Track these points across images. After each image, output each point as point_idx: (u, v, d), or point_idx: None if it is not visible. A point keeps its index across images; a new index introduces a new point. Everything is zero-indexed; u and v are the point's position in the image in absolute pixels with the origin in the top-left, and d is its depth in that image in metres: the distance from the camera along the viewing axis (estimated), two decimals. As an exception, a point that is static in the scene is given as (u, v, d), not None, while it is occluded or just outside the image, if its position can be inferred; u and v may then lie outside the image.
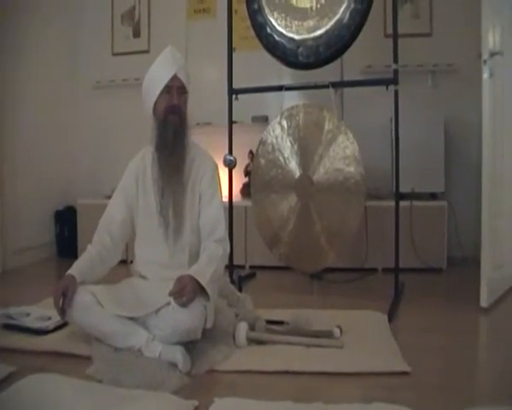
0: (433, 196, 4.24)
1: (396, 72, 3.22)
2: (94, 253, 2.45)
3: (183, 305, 2.13)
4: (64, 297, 2.25)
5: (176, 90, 2.44)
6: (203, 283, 2.19)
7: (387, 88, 3.26)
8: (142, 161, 2.59)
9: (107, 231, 2.51)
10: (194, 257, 2.44)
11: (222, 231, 2.48)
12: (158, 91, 2.43)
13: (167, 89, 2.42)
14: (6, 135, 4.29)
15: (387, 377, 2.11)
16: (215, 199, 2.51)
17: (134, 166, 2.60)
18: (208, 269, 2.28)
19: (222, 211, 2.53)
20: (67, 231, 4.96)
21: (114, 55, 5.27)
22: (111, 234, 2.51)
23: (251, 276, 4.06)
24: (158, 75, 2.44)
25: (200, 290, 2.20)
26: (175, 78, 2.42)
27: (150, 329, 2.25)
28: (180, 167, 2.46)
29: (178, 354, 2.13)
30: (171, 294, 2.15)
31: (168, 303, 2.18)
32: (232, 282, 3.20)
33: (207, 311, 2.24)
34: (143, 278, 2.52)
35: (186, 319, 2.13)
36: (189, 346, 2.23)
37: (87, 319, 2.27)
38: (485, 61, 3.02)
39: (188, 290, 2.14)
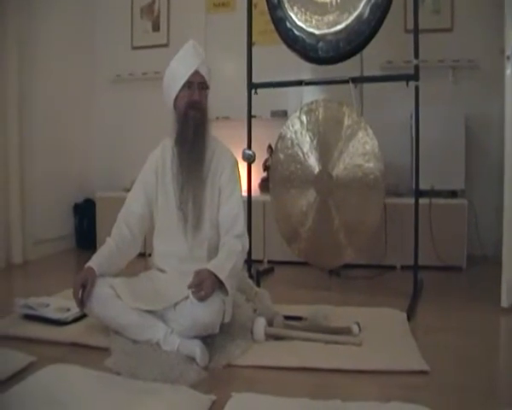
0: (453, 194, 4.19)
1: (417, 67, 3.18)
2: (113, 245, 2.45)
3: (202, 299, 2.13)
4: (83, 289, 2.26)
5: (197, 85, 2.43)
6: (222, 277, 2.19)
7: (408, 84, 3.23)
8: (162, 154, 2.59)
9: (126, 224, 2.52)
10: (213, 252, 2.44)
11: (241, 226, 2.47)
12: (179, 86, 2.42)
13: (188, 84, 2.42)
14: (25, 129, 4.32)
15: (406, 376, 2.09)
16: (235, 194, 2.51)
17: (154, 159, 2.60)
18: (227, 264, 2.28)
19: (241, 206, 2.53)
20: (86, 224, 5.00)
21: (134, 48, 5.29)
22: (130, 227, 2.51)
23: (269, 271, 4.05)
24: (179, 70, 2.43)
25: (219, 285, 2.20)
26: (196, 73, 2.42)
27: (168, 322, 2.25)
28: (200, 163, 2.46)
29: (196, 348, 2.13)
30: (189, 287, 2.14)
31: (186, 297, 2.17)
32: (250, 277, 3.19)
33: (226, 305, 2.23)
34: (162, 271, 2.53)
35: (204, 313, 2.13)
36: (207, 340, 2.23)
37: (105, 311, 2.29)
38: (508, 57, 2.97)
39: (206, 285, 2.13)
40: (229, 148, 2.66)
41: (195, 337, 2.18)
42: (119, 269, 2.49)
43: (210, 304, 2.14)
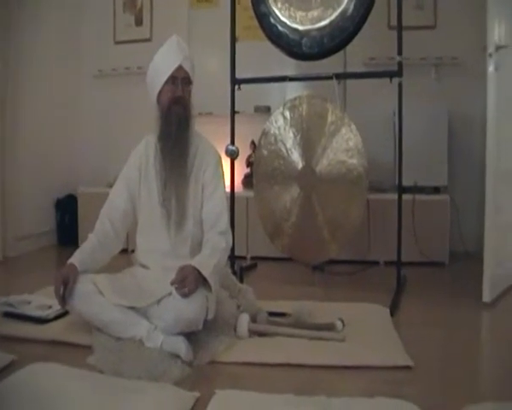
0: (435, 190, 4.21)
1: (400, 64, 3.20)
2: (95, 241, 2.43)
3: (185, 295, 2.11)
4: (65, 286, 2.23)
5: (180, 80, 2.41)
6: (205, 274, 2.18)
7: (391, 80, 3.24)
8: (145, 149, 2.57)
9: (109, 220, 2.50)
10: (196, 248, 2.43)
11: (225, 223, 2.46)
12: (162, 82, 2.40)
13: (172, 79, 2.40)
14: (7, 123, 4.27)
15: (390, 371, 2.10)
16: (218, 190, 2.50)
17: (137, 155, 2.58)
18: (211, 260, 2.27)
19: (225, 203, 2.52)
20: (68, 219, 4.95)
21: (116, 43, 5.23)
22: (113, 222, 2.49)
23: (252, 267, 4.05)
24: (163, 65, 2.41)
25: (203, 281, 2.18)
26: (180, 68, 2.40)
27: (151, 319, 2.24)
28: (183, 159, 2.44)
29: (181, 344, 2.12)
30: (172, 283, 2.13)
31: (170, 293, 2.16)
32: (234, 273, 3.18)
33: (209, 302, 2.22)
34: (145, 267, 2.51)
35: (188, 309, 2.11)
36: (191, 337, 2.21)
37: (88, 308, 2.26)
38: (490, 55, 2.99)
39: (190, 280, 2.12)
40: (213, 144, 2.65)
41: (179, 334, 2.16)
42: (101, 265, 2.46)
43: (193, 300, 2.13)
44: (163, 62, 2.42)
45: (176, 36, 2.49)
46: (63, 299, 2.25)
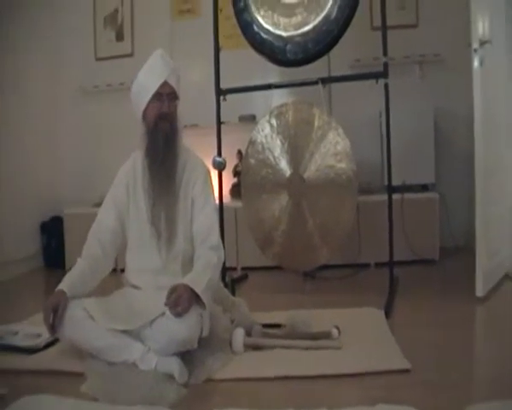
0: (424, 188, 4.21)
1: (386, 65, 3.20)
2: (84, 265, 2.39)
3: (179, 315, 2.07)
4: (54, 314, 2.19)
5: (166, 96, 2.38)
6: (198, 291, 2.14)
7: (377, 81, 3.23)
8: (133, 167, 2.54)
9: (98, 241, 2.46)
10: (188, 265, 2.40)
11: (216, 237, 2.43)
12: (147, 98, 2.37)
13: (157, 96, 2.36)
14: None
15: (388, 376, 2.08)
16: (208, 205, 2.47)
17: (123, 174, 2.55)
18: (203, 277, 2.23)
19: (215, 217, 2.50)
20: (54, 242, 4.85)
21: (98, 59, 5.19)
22: (102, 243, 2.45)
23: (243, 278, 4.02)
24: (147, 82, 2.38)
25: (196, 299, 2.15)
26: (165, 84, 2.37)
27: (145, 340, 2.19)
28: (171, 176, 2.41)
29: (175, 365, 2.08)
30: (166, 304, 2.10)
31: (163, 314, 2.12)
32: (225, 285, 3.16)
33: (203, 319, 2.19)
34: (136, 287, 2.47)
35: (182, 329, 2.08)
36: (186, 355, 2.17)
37: (79, 334, 2.21)
38: (475, 50, 2.99)
39: (183, 300, 2.09)
40: (199, 155, 2.63)
41: (174, 354, 2.13)
42: (91, 288, 2.41)
43: (187, 319, 2.09)
44: (147, 79, 2.38)
45: (160, 50, 2.46)
46: (53, 327, 2.21)
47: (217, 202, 3.24)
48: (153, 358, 2.13)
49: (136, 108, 2.44)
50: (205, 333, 2.22)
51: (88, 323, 2.20)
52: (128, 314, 2.26)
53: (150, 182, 2.42)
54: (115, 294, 2.48)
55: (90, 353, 2.24)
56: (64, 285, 2.27)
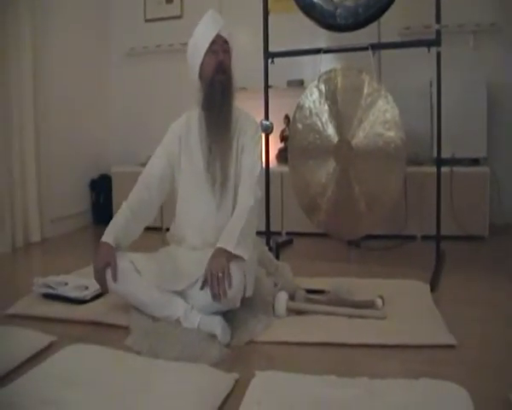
0: (474, 162, 4.09)
1: (439, 32, 3.09)
2: (128, 212, 2.42)
3: (218, 299, 2.07)
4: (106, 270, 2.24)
5: (220, 48, 2.41)
6: (231, 249, 2.14)
7: (429, 50, 3.13)
8: (186, 123, 2.57)
9: (145, 185, 2.49)
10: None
11: (256, 176, 2.43)
12: (203, 52, 2.40)
13: (212, 48, 2.39)
14: (40, 105, 4.27)
15: (433, 350, 2.05)
16: (255, 151, 2.48)
17: (177, 127, 2.59)
18: (236, 229, 2.22)
19: (259, 162, 2.49)
20: (103, 199, 4.99)
21: (147, 21, 5.21)
22: (149, 188, 2.48)
23: (288, 243, 4.01)
24: (201, 38, 2.41)
25: (235, 257, 2.15)
26: (218, 36, 2.39)
27: (188, 299, 2.22)
28: (227, 125, 2.44)
29: (217, 326, 2.11)
30: (202, 288, 2.12)
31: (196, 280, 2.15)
32: (269, 249, 3.15)
33: (247, 279, 2.19)
34: (182, 241, 2.49)
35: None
36: (229, 315, 2.19)
37: (125, 286, 2.26)
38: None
39: (220, 280, 2.06)
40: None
41: (216, 313, 2.15)
42: (135, 237, 2.46)
43: (229, 279, 2.08)
44: (201, 35, 2.42)
45: (211, 10, 2.49)
46: (105, 284, 2.26)
47: (263, 164, 3.22)
48: (196, 316, 2.16)
49: (193, 67, 2.46)
50: (248, 293, 2.23)
51: (134, 276, 2.25)
52: (173, 274, 2.29)
53: (207, 131, 2.45)
54: (161, 251, 2.51)
55: (135, 305, 2.29)
56: (109, 238, 2.31)
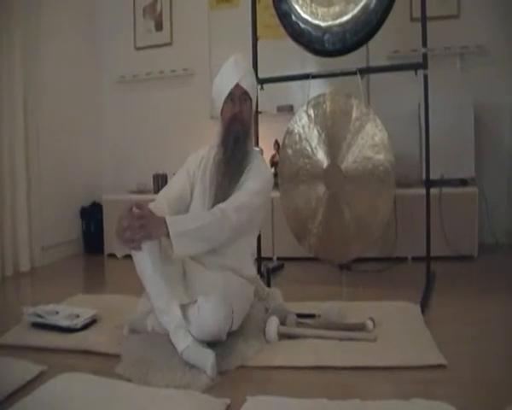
0: (463, 183, 4.12)
1: (425, 56, 3.14)
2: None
3: (126, 243, 2.10)
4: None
5: (238, 98, 2.49)
6: (171, 232, 2.12)
7: (416, 73, 3.18)
8: (208, 152, 2.66)
9: (165, 198, 2.51)
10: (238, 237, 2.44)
11: (233, 201, 2.39)
12: (222, 99, 2.52)
13: (231, 97, 2.49)
14: (31, 132, 4.28)
15: (423, 371, 2.04)
16: (251, 185, 2.47)
17: (200, 153, 2.69)
18: (190, 223, 2.23)
19: (248, 197, 2.43)
20: (93, 227, 4.95)
21: (137, 49, 5.25)
22: (169, 202, 2.48)
23: (279, 268, 4.02)
24: (221, 86, 2.53)
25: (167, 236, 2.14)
26: (237, 86, 2.48)
27: (185, 313, 2.15)
28: (238, 171, 2.51)
29: (207, 362, 2.02)
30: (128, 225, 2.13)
31: (195, 301, 2.12)
32: (260, 275, 3.15)
33: (234, 313, 2.17)
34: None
35: (210, 322, 2.06)
36: (219, 341, 2.17)
37: (141, 265, 2.21)
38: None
39: (137, 229, 2.10)
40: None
41: (204, 342, 2.10)
42: None
43: (216, 314, 2.07)
44: (222, 82, 2.53)
45: (235, 55, 2.56)
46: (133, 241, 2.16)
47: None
48: (186, 338, 2.09)
49: (216, 108, 2.59)
50: (235, 327, 2.22)
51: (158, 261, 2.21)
52: (179, 284, 2.29)
53: (216, 173, 2.53)
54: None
55: (142, 281, 2.24)
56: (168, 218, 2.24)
